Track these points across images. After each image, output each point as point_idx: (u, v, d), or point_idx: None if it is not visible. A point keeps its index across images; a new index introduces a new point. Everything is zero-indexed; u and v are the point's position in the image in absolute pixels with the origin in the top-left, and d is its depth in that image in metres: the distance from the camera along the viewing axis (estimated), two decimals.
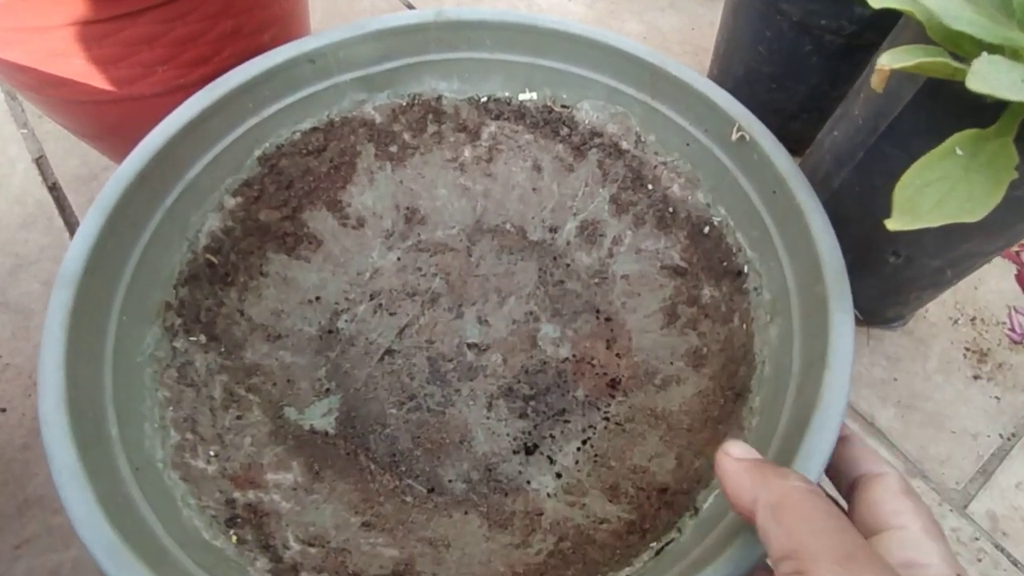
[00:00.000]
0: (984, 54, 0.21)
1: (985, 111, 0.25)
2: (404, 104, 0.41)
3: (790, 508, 0.18)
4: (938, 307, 0.42)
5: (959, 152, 0.25)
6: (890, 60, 0.23)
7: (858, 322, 0.41)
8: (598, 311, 0.41)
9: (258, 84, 0.35)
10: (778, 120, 0.34)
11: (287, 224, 0.40)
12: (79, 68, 0.32)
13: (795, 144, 0.40)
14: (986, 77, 0.20)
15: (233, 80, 0.34)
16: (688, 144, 0.37)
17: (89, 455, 0.23)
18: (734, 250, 0.36)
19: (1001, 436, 0.37)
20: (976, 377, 0.40)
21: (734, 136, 0.34)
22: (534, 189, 0.44)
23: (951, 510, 0.35)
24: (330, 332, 0.40)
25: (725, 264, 0.36)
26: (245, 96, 0.35)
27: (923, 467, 0.36)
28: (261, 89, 0.35)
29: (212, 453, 0.30)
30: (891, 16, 0.27)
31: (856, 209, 0.34)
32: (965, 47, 0.25)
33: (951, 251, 0.33)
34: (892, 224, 0.23)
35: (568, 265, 0.43)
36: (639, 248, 0.41)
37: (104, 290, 0.29)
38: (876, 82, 0.24)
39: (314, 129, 0.39)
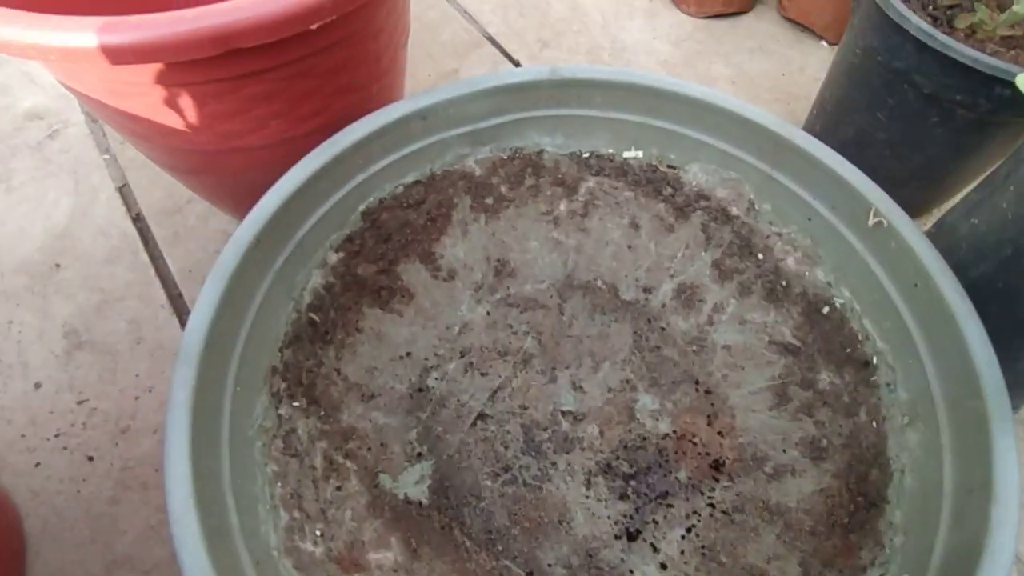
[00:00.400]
0: None
1: None
2: (505, 158, 0.40)
3: None
4: None
5: None
6: None
7: None
8: (697, 382, 0.39)
9: (370, 142, 0.34)
10: (886, 187, 0.32)
11: (382, 278, 0.38)
12: (194, 121, 0.31)
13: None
14: None
15: (347, 139, 0.33)
16: (810, 219, 0.36)
17: (218, 556, 0.22)
18: (860, 337, 0.34)
19: None
20: None
21: (871, 222, 0.32)
22: (629, 247, 0.43)
23: None
24: (420, 391, 0.39)
25: (848, 351, 0.34)
26: (357, 154, 0.34)
27: None
28: (372, 146, 0.34)
29: (318, 533, 0.29)
30: None
31: (996, 303, 0.32)
32: None
33: None
34: None
35: (663, 329, 0.41)
36: (743, 319, 0.39)
37: (222, 362, 0.28)
38: None
39: (416, 183, 0.38)
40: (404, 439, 0.37)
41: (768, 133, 0.35)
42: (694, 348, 0.41)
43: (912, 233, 0.31)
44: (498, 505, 0.35)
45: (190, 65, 0.27)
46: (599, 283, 0.43)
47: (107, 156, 0.50)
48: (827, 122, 0.47)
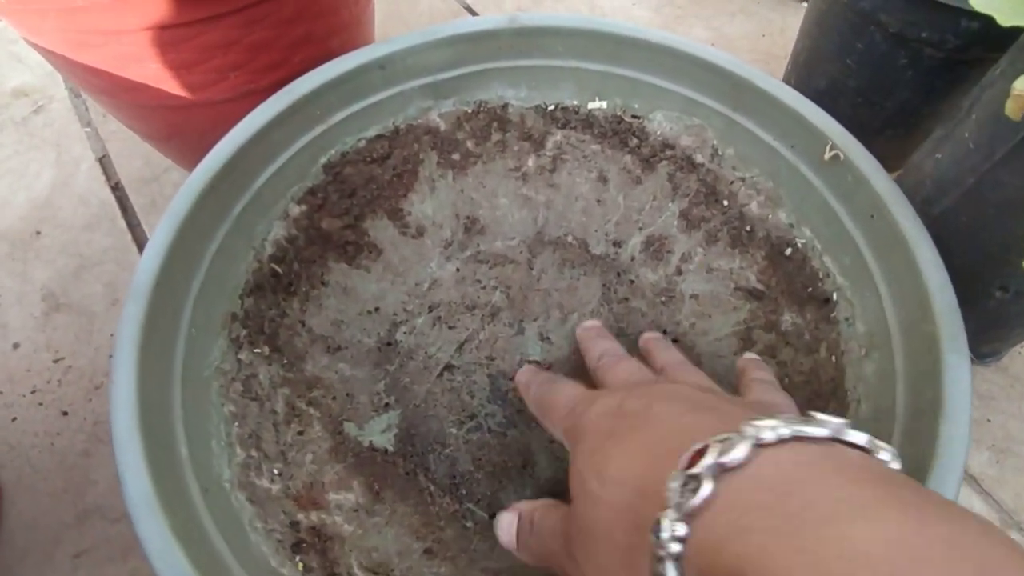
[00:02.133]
0: None
1: None
2: (469, 111, 0.40)
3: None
4: None
5: None
6: None
7: None
8: (665, 331, 0.39)
9: (327, 91, 0.34)
10: (861, 137, 0.31)
11: (348, 233, 0.39)
12: (153, 73, 0.32)
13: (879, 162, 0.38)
14: None
15: (303, 87, 0.33)
16: (771, 160, 0.35)
17: (162, 481, 0.23)
18: (820, 275, 0.33)
19: None
20: None
21: (827, 155, 0.32)
22: (598, 201, 0.43)
23: None
24: (389, 344, 0.39)
25: (810, 289, 0.34)
26: (314, 104, 0.34)
27: (1019, 517, 0.34)
28: (329, 96, 0.34)
29: (276, 471, 0.30)
30: (999, 31, 0.25)
31: (961, 239, 0.32)
32: None
33: None
34: None
35: (632, 282, 0.41)
36: (711, 267, 0.39)
37: (174, 302, 0.28)
38: (1013, 109, 0.22)
39: (379, 136, 0.38)
40: (372, 390, 0.37)
41: (726, 74, 0.35)
42: (663, 299, 0.40)
43: (867, 164, 0.30)
44: (463, 451, 0.35)
45: (138, 8, 0.28)
46: (569, 238, 0.43)
47: (88, 129, 0.51)
48: (800, 75, 0.46)
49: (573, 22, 0.36)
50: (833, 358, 0.31)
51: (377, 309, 0.40)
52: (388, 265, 0.41)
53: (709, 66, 0.35)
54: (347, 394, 0.36)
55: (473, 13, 0.59)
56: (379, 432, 0.36)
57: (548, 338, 0.39)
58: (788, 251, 0.35)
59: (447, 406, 0.37)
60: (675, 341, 0.39)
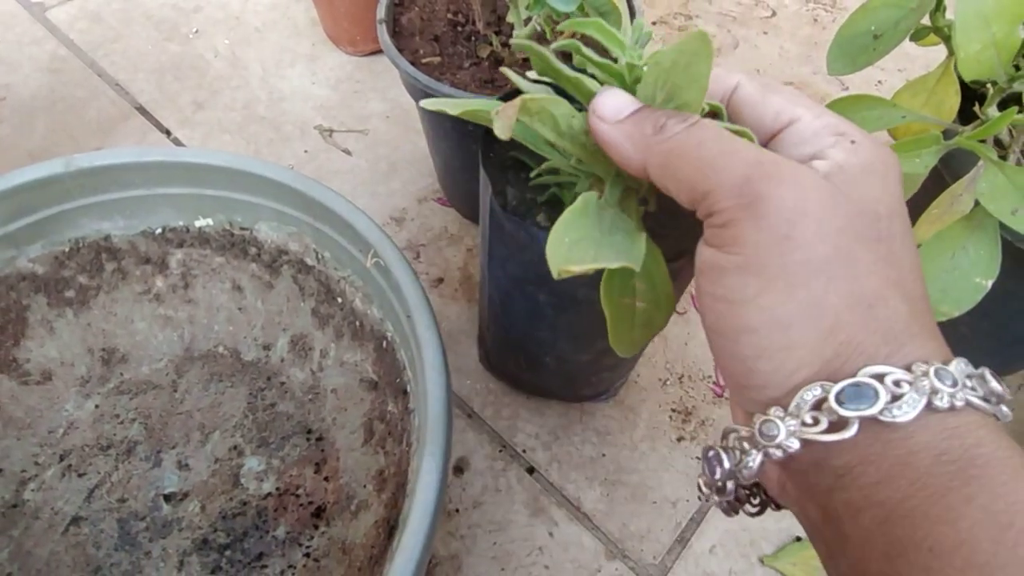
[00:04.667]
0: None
1: None
2: (67, 250, 0.39)
3: (677, 162, 0.17)
4: (648, 369, 0.44)
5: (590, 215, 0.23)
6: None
7: (569, 400, 0.42)
8: (310, 431, 0.40)
9: None
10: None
11: None
12: None
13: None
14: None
15: None
16: (354, 262, 0.37)
17: None
18: (401, 367, 0.35)
19: (699, 498, 0.39)
20: (680, 439, 0.41)
21: (369, 262, 0.34)
22: (240, 309, 0.43)
23: None
24: (14, 506, 0.37)
25: (398, 381, 0.36)
26: None
27: (624, 546, 0.37)
28: None
29: None
30: None
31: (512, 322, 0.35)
32: None
33: (591, 347, 0.34)
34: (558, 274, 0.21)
35: (283, 383, 0.42)
36: (343, 360, 0.41)
37: None
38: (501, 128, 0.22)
39: None
40: None
41: (290, 190, 0.36)
42: (310, 396, 0.41)
43: (400, 270, 0.33)
44: None
45: None
46: (220, 349, 0.43)
47: None
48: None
49: (132, 157, 0.36)
50: (408, 448, 0.33)
51: (0, 471, 0.38)
52: (9, 421, 0.39)
53: (273, 183, 0.36)
54: None
55: (145, 112, 0.58)
56: None
57: (187, 464, 0.39)
58: (384, 344, 0.37)
59: (71, 564, 0.35)
60: (320, 439, 0.40)
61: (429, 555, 0.25)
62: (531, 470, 0.40)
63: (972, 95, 0.33)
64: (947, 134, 0.29)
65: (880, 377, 0.15)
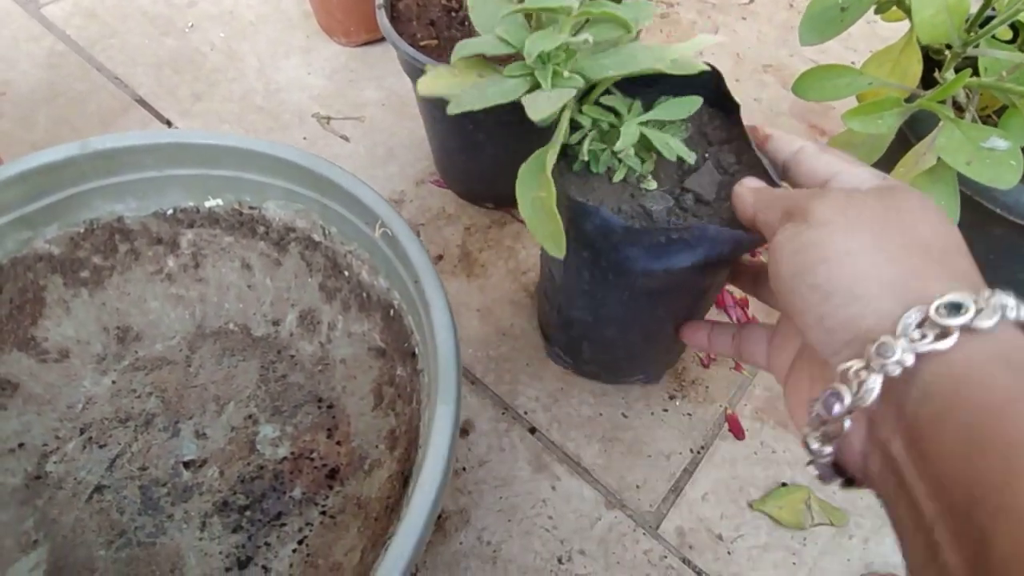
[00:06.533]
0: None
1: None
2: (82, 231, 0.40)
3: (763, 207, 0.25)
4: None
5: None
6: None
7: (567, 365, 0.44)
8: (320, 399, 0.42)
9: None
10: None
11: None
12: None
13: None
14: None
15: None
16: (360, 235, 0.39)
17: None
18: (408, 332, 0.37)
19: (692, 451, 0.41)
20: (672, 397, 0.44)
21: (377, 232, 0.36)
22: (249, 286, 0.45)
23: (644, 533, 0.38)
24: (38, 478, 0.39)
25: (406, 345, 0.38)
26: None
27: (622, 496, 0.40)
28: None
29: None
30: None
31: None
32: None
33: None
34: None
35: (293, 356, 0.44)
36: (350, 332, 0.42)
37: None
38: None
39: None
40: (18, 531, 0.37)
41: (298, 167, 0.38)
42: (320, 368, 0.43)
43: (407, 238, 0.35)
44: (112, 572, 0.36)
45: None
46: (231, 326, 0.45)
47: None
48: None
49: (145, 139, 0.38)
50: (418, 406, 0.35)
51: (22, 445, 0.39)
52: (29, 397, 0.40)
53: (282, 161, 0.38)
54: None
55: (145, 104, 0.59)
56: (26, 573, 0.35)
57: (204, 433, 0.41)
58: (391, 312, 0.39)
59: (95, 529, 0.37)
60: (331, 407, 0.42)
61: (444, 495, 0.27)
62: (533, 430, 0.42)
63: (933, 64, 0.36)
64: (911, 99, 0.32)
65: (956, 299, 0.18)
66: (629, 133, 0.29)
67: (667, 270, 0.29)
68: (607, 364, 0.43)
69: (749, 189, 0.27)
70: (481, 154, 0.47)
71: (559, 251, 0.26)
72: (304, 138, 0.58)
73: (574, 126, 0.30)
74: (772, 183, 0.28)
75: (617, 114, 0.31)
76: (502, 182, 0.51)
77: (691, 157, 0.30)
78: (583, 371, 0.44)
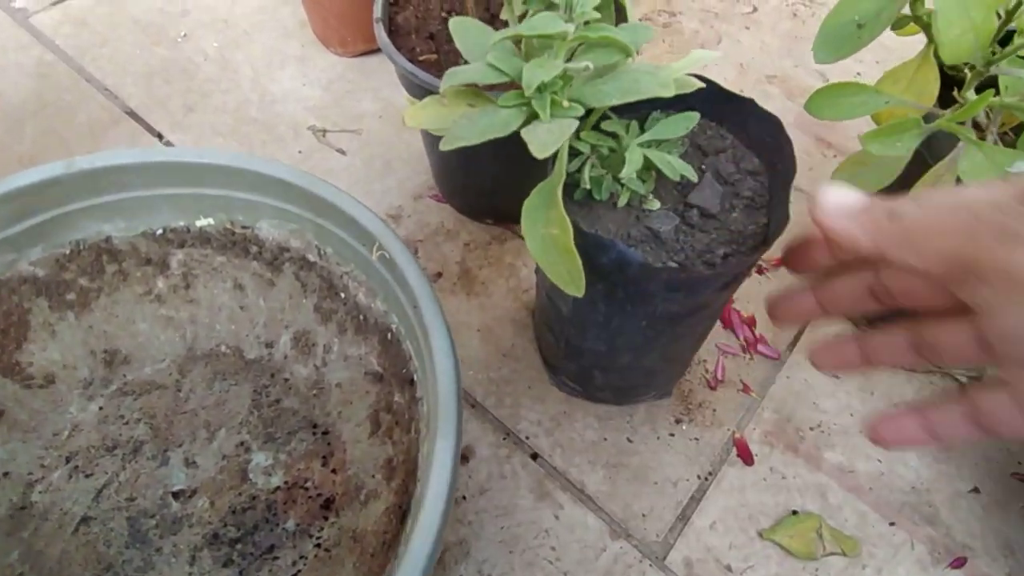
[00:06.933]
0: None
1: None
2: (68, 252, 0.39)
3: (923, 239, 0.18)
4: None
5: None
6: None
7: (575, 393, 0.43)
8: (315, 425, 0.41)
9: None
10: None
11: None
12: None
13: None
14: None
15: None
16: (357, 256, 0.38)
17: None
18: (407, 358, 0.36)
19: (699, 477, 0.40)
20: (678, 420, 0.42)
21: (374, 254, 0.34)
22: (241, 307, 0.43)
23: (651, 564, 0.37)
24: (23, 508, 0.37)
25: (404, 371, 0.37)
26: None
27: (627, 525, 0.38)
28: None
29: None
30: None
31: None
32: None
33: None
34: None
35: (286, 380, 0.42)
36: (346, 355, 0.41)
37: None
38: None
39: None
40: (3, 563, 0.35)
41: (292, 186, 0.37)
42: (315, 392, 0.42)
43: (405, 261, 0.33)
44: None
45: None
46: (223, 348, 0.43)
47: None
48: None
49: (132, 157, 0.36)
50: (416, 435, 0.34)
51: (7, 474, 0.38)
52: (14, 424, 0.39)
53: (274, 180, 0.37)
54: None
55: (136, 117, 0.58)
56: None
57: (194, 462, 0.39)
58: (389, 335, 0.38)
59: (82, 563, 0.36)
60: (325, 433, 0.40)
61: (444, 535, 0.26)
62: (535, 456, 0.41)
63: (950, 81, 0.34)
64: (928, 118, 0.31)
65: None
66: (634, 159, 0.28)
67: (689, 294, 0.28)
68: (621, 389, 0.41)
69: (841, 218, 0.20)
70: (481, 169, 0.46)
71: (578, 290, 0.24)
72: (299, 151, 0.56)
73: (572, 152, 0.29)
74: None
75: (615, 137, 0.30)
76: (502, 197, 0.51)
77: (694, 175, 0.29)
78: (594, 397, 0.43)
